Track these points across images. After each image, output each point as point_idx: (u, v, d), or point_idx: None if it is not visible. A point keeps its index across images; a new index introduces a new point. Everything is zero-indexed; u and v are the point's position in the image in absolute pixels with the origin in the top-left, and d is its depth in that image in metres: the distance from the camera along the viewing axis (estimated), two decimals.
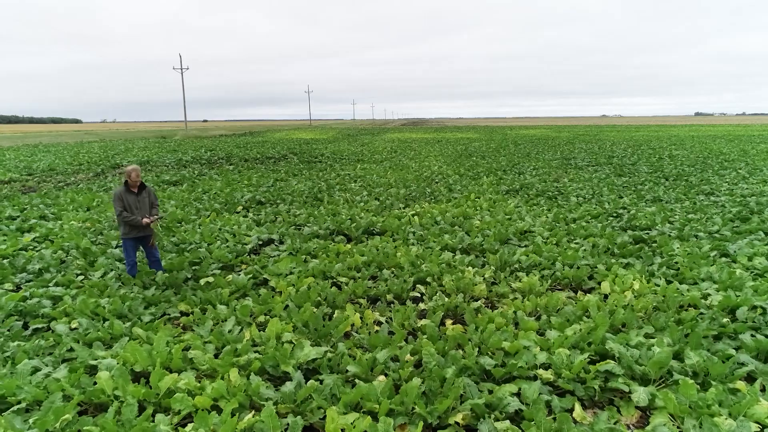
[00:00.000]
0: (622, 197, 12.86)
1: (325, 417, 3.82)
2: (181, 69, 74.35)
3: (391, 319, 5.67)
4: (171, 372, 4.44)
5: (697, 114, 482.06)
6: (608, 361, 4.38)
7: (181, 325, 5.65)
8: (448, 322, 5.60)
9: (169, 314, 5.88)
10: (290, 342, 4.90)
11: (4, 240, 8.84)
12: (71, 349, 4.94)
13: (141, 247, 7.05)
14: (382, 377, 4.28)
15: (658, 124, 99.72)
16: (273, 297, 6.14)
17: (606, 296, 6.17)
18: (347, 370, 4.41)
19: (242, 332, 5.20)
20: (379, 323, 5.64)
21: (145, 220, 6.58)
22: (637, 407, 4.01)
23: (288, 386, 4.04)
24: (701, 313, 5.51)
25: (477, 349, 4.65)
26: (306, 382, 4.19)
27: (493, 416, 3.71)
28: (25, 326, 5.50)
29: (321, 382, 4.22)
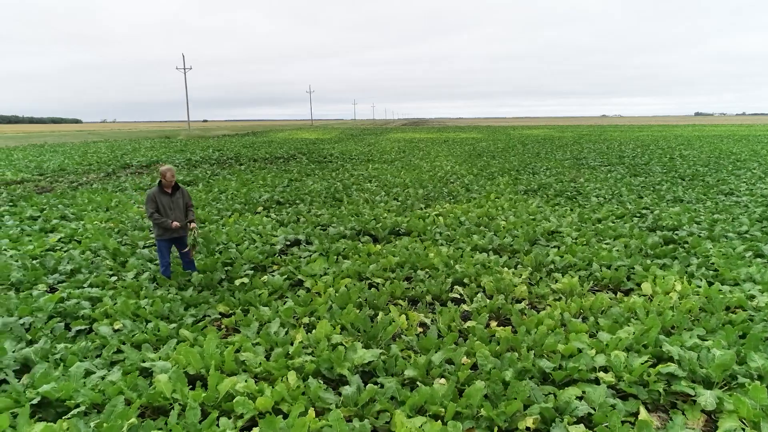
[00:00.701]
0: (642, 197, 12.81)
1: (389, 421, 3.77)
2: (185, 69, 74.25)
3: (434, 320, 5.62)
4: (223, 374, 4.38)
5: (697, 114, 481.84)
6: (669, 363, 4.33)
7: (224, 326, 5.60)
8: (493, 323, 5.56)
9: (209, 315, 5.82)
10: (340, 344, 4.85)
11: (30, 240, 8.78)
12: (118, 351, 4.89)
13: (174, 248, 6.99)
14: (442, 380, 4.23)
15: (661, 124, 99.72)
16: (313, 299, 6.07)
17: (650, 298, 6.10)
18: (403, 373, 4.36)
19: (288, 334, 5.14)
20: (423, 325, 5.59)
21: (175, 223, 6.50)
22: (702, 411, 3.95)
23: (349, 389, 3.99)
24: (751, 315, 5.45)
25: (532, 351, 4.60)
26: (364, 386, 4.14)
27: (565, 420, 3.65)
28: (67, 328, 5.44)
29: (380, 385, 4.16)
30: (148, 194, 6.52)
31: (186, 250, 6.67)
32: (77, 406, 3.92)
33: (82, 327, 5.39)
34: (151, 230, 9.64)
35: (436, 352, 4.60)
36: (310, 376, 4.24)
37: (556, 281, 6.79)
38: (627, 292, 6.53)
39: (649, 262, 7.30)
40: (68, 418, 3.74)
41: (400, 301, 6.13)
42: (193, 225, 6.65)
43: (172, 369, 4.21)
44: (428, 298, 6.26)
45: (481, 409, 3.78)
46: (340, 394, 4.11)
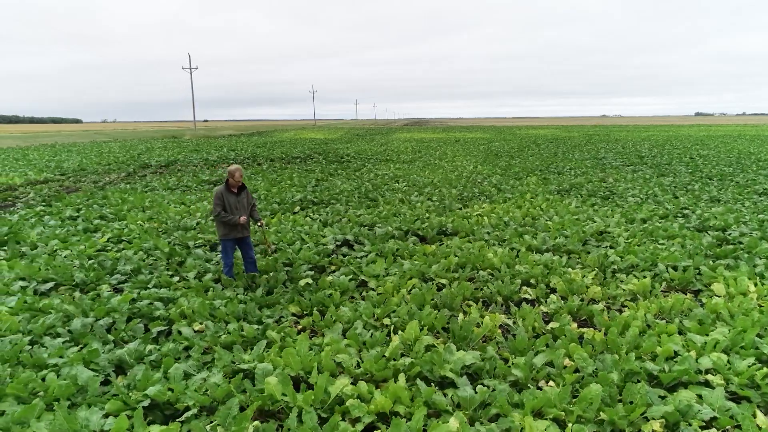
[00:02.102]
0: (677, 197, 12.75)
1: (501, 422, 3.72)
2: (190, 68, 74.17)
3: (515, 321, 5.57)
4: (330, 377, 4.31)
5: (697, 114, 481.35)
6: None
7: (302, 327, 5.53)
8: (573, 325, 5.50)
9: (284, 316, 5.77)
10: (432, 345, 4.80)
11: (79, 241, 8.71)
12: (204, 352, 4.84)
13: (237, 248, 6.94)
14: (551, 383, 4.17)
15: (664, 124, 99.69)
16: (387, 299, 6.01)
17: (727, 299, 6.04)
18: (505, 376, 4.30)
19: (373, 335, 5.09)
20: (502, 326, 5.54)
21: (242, 218, 6.46)
22: None
23: (467, 391, 3.93)
24: None
25: (632, 353, 4.54)
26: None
27: (693, 424, 3.59)
28: (146, 329, 5.38)
29: (490, 388, 4.10)
30: (216, 193, 6.46)
31: (261, 245, 6.55)
32: (187, 408, 3.87)
33: (162, 328, 5.33)
34: (196, 228, 9.60)
35: (535, 355, 4.55)
36: (417, 378, 4.18)
37: (622, 281, 6.74)
38: (696, 293, 6.48)
39: (712, 262, 7.24)
40: (182, 421, 3.69)
41: (472, 302, 6.07)
42: (261, 224, 6.62)
43: (279, 371, 4.15)
44: (499, 299, 6.21)
45: (601, 413, 3.73)
46: (445, 396, 4.06)
